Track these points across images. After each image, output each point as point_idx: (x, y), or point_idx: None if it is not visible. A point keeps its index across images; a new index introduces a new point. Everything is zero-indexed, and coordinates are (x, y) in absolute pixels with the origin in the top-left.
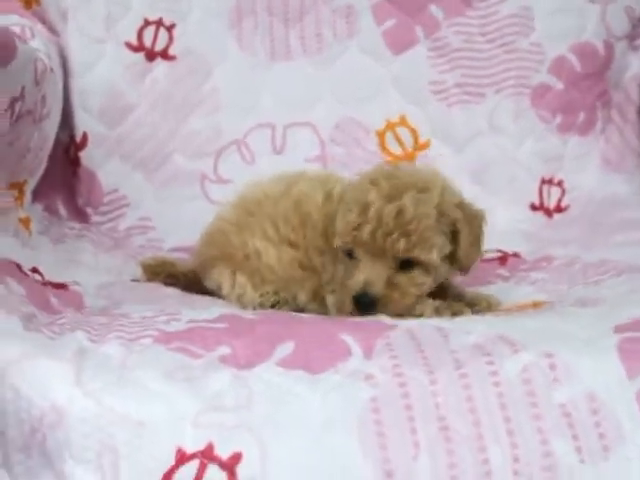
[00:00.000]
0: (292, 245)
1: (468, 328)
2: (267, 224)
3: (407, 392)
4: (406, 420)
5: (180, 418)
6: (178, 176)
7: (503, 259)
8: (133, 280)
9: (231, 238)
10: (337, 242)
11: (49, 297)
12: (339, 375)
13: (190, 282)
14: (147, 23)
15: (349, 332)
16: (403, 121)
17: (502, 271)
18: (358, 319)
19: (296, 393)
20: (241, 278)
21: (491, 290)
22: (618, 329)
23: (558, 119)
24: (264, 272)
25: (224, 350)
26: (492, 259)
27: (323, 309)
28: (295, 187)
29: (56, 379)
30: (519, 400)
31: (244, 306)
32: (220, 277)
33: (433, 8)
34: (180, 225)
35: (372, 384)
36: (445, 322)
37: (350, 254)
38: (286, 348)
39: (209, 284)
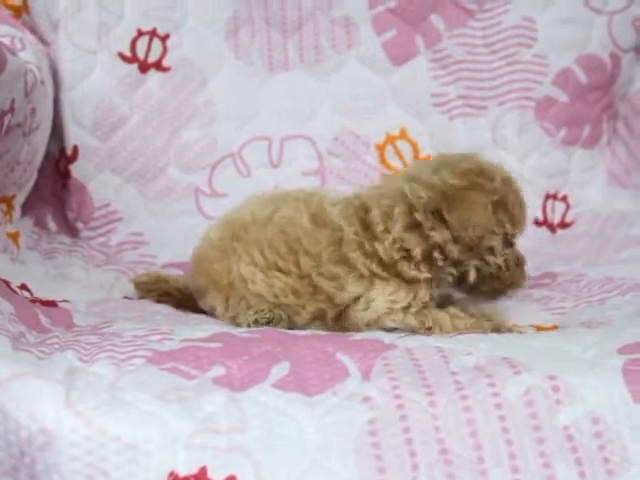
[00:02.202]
0: (282, 271)
1: (469, 348)
2: (254, 249)
3: (406, 415)
4: (405, 443)
5: (173, 440)
6: (172, 190)
7: None
8: (125, 297)
9: (214, 265)
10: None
11: (38, 315)
12: (336, 397)
13: (184, 299)
14: (140, 33)
15: (346, 352)
16: (403, 134)
17: None
18: (357, 337)
19: (292, 416)
20: (232, 301)
21: (493, 307)
22: (622, 350)
23: (563, 132)
24: (250, 299)
25: (218, 371)
26: None
27: (324, 327)
28: (279, 212)
29: (45, 400)
30: (521, 423)
31: (238, 325)
32: (214, 301)
33: (434, 18)
34: (173, 240)
35: (370, 406)
36: (445, 341)
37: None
38: (282, 369)
39: (204, 306)
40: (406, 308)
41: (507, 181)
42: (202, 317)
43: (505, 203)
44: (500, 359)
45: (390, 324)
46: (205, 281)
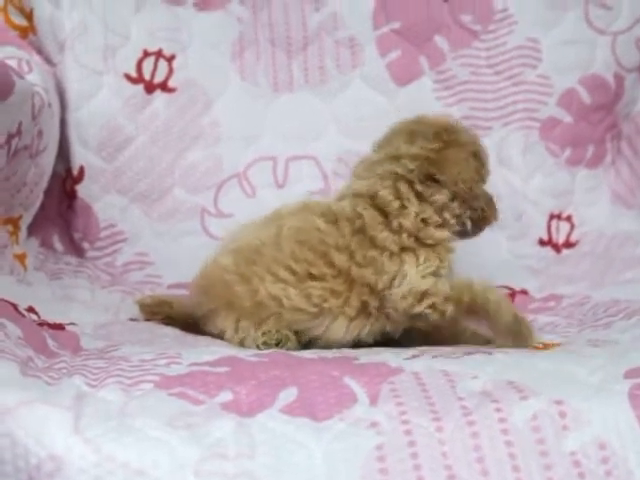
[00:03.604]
0: (316, 278)
1: (475, 372)
2: (276, 268)
3: (413, 440)
4: (412, 469)
5: (181, 467)
6: (177, 210)
7: (511, 296)
8: (131, 319)
9: (235, 288)
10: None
11: (46, 338)
12: (344, 423)
13: (189, 322)
14: (146, 54)
15: (353, 376)
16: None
17: None
18: (362, 360)
19: (300, 442)
20: (244, 323)
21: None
22: (628, 374)
23: (567, 152)
24: (286, 314)
25: (226, 396)
26: None
27: (365, 320)
28: (284, 228)
29: (54, 426)
30: (528, 449)
31: (247, 347)
32: (224, 323)
33: (438, 39)
34: (179, 260)
35: (377, 432)
36: (452, 365)
37: None
38: (289, 394)
39: (211, 329)
40: (436, 272)
41: (469, 132)
42: (209, 339)
43: (477, 152)
44: (506, 383)
45: (423, 287)
46: (217, 304)
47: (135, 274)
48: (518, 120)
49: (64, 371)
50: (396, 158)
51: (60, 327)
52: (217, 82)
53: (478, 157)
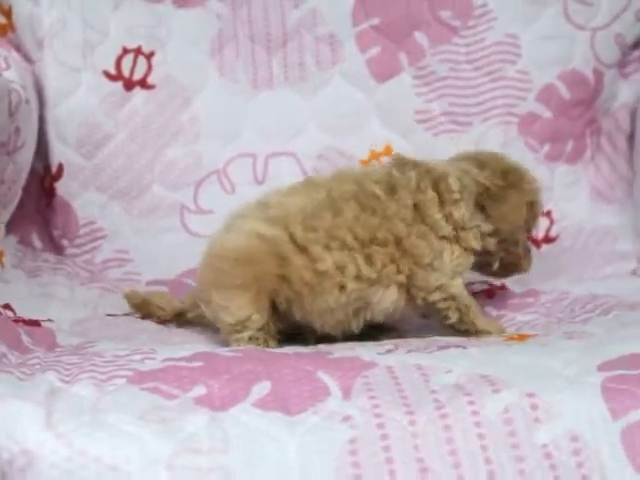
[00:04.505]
0: (380, 244)
1: (449, 366)
2: (340, 234)
3: (386, 434)
4: (384, 462)
5: (154, 461)
6: (157, 207)
7: (490, 292)
8: (109, 315)
9: (293, 259)
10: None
11: (21, 335)
12: (317, 416)
13: (169, 317)
14: (125, 51)
15: (327, 370)
16: (388, 151)
17: (489, 308)
18: (336, 355)
19: (273, 436)
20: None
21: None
22: (602, 367)
23: (546, 148)
24: (350, 285)
25: (199, 390)
26: (479, 292)
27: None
28: (338, 192)
29: (26, 421)
30: (500, 441)
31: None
32: (233, 301)
33: (418, 35)
34: (158, 257)
35: (350, 425)
36: (426, 359)
37: None
38: (263, 388)
39: (224, 316)
40: (462, 273)
41: (537, 185)
42: (187, 334)
43: (533, 203)
44: (480, 377)
45: (453, 290)
46: (251, 277)
47: (114, 271)
48: (497, 115)
49: (37, 367)
50: (474, 164)
51: (36, 324)
52: (196, 79)
53: (532, 208)
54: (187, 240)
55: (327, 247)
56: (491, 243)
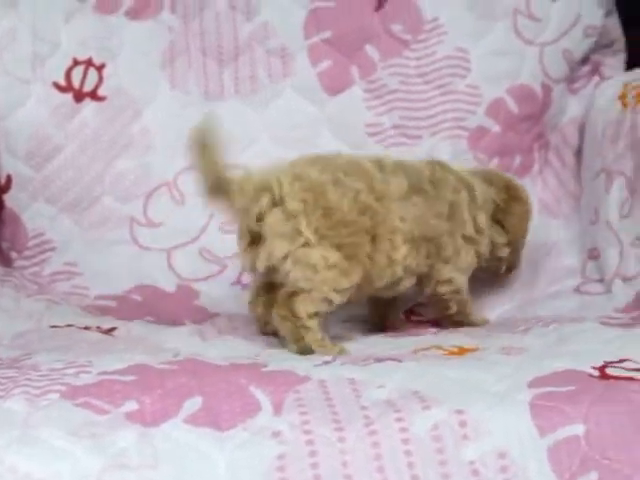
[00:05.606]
0: (429, 240)
1: (383, 380)
2: (411, 227)
3: (315, 450)
4: (312, 479)
5: (83, 477)
6: (107, 219)
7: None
8: (52, 326)
9: (377, 209)
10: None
11: None
12: (247, 432)
13: None
14: (76, 63)
15: (259, 385)
16: None
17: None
18: (271, 367)
19: (203, 451)
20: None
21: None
22: (533, 384)
23: (495, 162)
24: (398, 272)
25: (131, 406)
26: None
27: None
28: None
29: None
30: (428, 458)
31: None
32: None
33: (369, 49)
34: (108, 271)
35: (280, 441)
36: (360, 372)
37: None
38: (194, 403)
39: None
40: (468, 271)
41: (527, 192)
42: (130, 342)
43: (529, 212)
44: (411, 393)
45: (459, 285)
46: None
47: (62, 284)
48: (447, 129)
49: None
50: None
51: None
52: (147, 91)
53: (528, 216)
54: (137, 254)
55: (391, 199)
56: (505, 252)
